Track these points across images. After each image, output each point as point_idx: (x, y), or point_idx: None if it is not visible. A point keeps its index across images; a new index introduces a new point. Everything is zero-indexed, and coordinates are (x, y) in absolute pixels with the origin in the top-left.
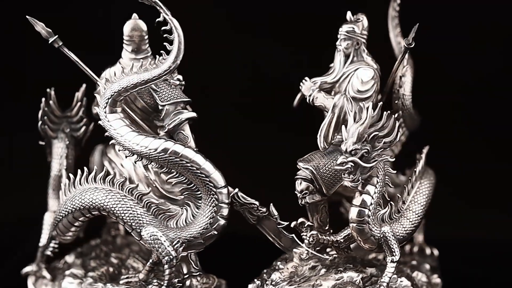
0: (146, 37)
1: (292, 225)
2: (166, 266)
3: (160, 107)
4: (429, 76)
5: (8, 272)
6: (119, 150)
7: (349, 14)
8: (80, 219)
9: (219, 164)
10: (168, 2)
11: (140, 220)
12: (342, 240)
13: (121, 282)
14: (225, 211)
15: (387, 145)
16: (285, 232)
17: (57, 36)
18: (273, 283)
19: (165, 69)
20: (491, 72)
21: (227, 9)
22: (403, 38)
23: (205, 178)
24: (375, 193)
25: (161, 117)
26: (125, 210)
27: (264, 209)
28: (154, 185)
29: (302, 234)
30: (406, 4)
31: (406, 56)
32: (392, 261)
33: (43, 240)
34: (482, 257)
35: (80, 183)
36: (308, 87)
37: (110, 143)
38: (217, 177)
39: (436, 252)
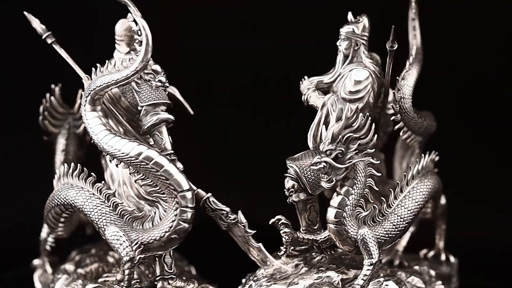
0: (136, 36)
1: (270, 222)
2: (125, 267)
3: (139, 108)
4: (430, 76)
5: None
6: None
7: (350, 15)
8: (62, 214)
9: (218, 164)
10: (169, 2)
11: (105, 219)
12: (321, 240)
13: (99, 280)
14: (187, 215)
15: (362, 147)
16: (252, 240)
17: (50, 32)
18: (255, 278)
19: (133, 70)
20: (492, 72)
21: (227, 8)
22: (418, 40)
23: (166, 181)
24: (351, 194)
25: (140, 117)
26: (92, 208)
27: (233, 216)
28: (135, 186)
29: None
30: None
31: (411, 59)
32: (369, 264)
33: (43, 234)
34: (484, 259)
35: (62, 179)
36: (305, 86)
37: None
38: (179, 180)
39: (452, 258)
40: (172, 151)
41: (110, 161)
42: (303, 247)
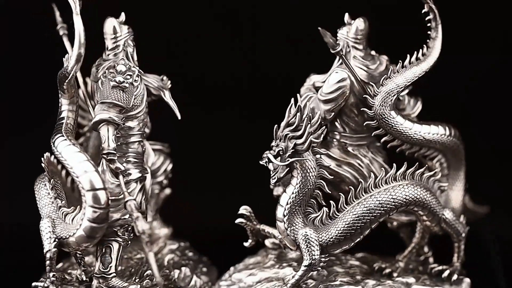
0: (119, 35)
1: (238, 213)
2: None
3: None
4: (429, 76)
5: None
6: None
7: (346, 16)
8: None
9: (217, 164)
10: (169, 1)
11: (45, 210)
12: (280, 236)
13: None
14: (92, 214)
15: (298, 148)
16: (147, 247)
17: (65, 25)
18: (233, 267)
19: (69, 65)
20: (492, 73)
21: (226, 8)
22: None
23: (77, 178)
24: (293, 193)
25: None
26: (40, 198)
27: (138, 223)
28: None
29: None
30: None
31: (398, 67)
32: (305, 265)
33: None
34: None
35: None
36: (306, 83)
37: None
38: (88, 179)
39: (455, 277)
40: (112, 151)
41: None
42: (276, 241)
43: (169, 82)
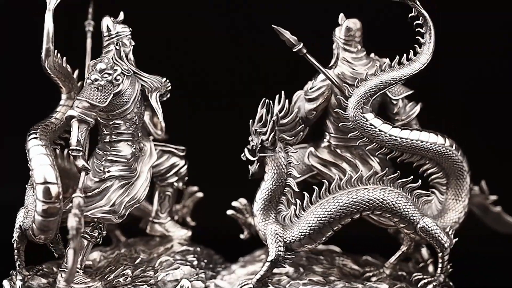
0: (112, 33)
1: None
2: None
3: None
4: (429, 77)
5: None
6: None
7: (340, 17)
8: None
9: (217, 164)
10: (169, 1)
11: (27, 201)
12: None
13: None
14: (40, 208)
15: (264, 143)
16: (72, 243)
17: (92, 22)
18: (242, 257)
19: (42, 61)
20: (492, 73)
21: (226, 8)
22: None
23: (31, 171)
24: (265, 189)
25: None
26: (27, 191)
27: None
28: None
29: None
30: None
31: (373, 70)
32: (269, 261)
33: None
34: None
35: None
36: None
37: None
38: (41, 172)
39: (430, 286)
40: (77, 148)
41: None
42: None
43: (169, 84)
